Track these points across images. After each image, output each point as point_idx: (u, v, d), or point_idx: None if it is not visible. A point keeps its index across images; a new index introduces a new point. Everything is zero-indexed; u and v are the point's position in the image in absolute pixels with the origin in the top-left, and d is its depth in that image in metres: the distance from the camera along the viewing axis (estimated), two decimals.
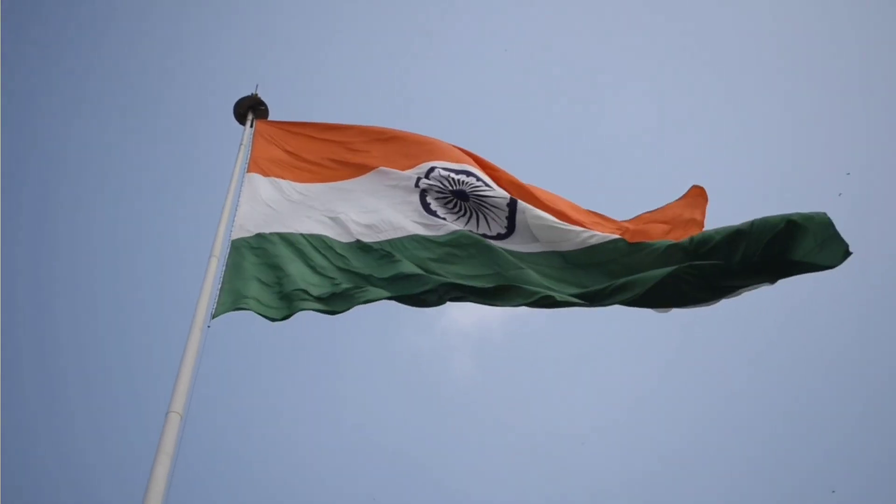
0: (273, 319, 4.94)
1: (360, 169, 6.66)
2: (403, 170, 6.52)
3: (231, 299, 4.97)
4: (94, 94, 19.50)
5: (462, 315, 20.04)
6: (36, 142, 18.17)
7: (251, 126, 7.22)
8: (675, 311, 5.34)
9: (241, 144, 6.88)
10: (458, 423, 16.72)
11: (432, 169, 6.43)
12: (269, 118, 7.46)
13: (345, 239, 5.77)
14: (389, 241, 5.72)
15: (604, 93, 22.48)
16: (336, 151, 6.95)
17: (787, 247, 4.65)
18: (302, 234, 5.76)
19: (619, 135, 22.07)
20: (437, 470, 15.93)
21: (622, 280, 5.12)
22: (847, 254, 4.51)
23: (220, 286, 5.09)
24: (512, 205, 6.02)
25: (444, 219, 5.95)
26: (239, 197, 6.06)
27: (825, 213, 4.61)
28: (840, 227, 4.57)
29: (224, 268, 5.28)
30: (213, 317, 4.82)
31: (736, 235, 4.91)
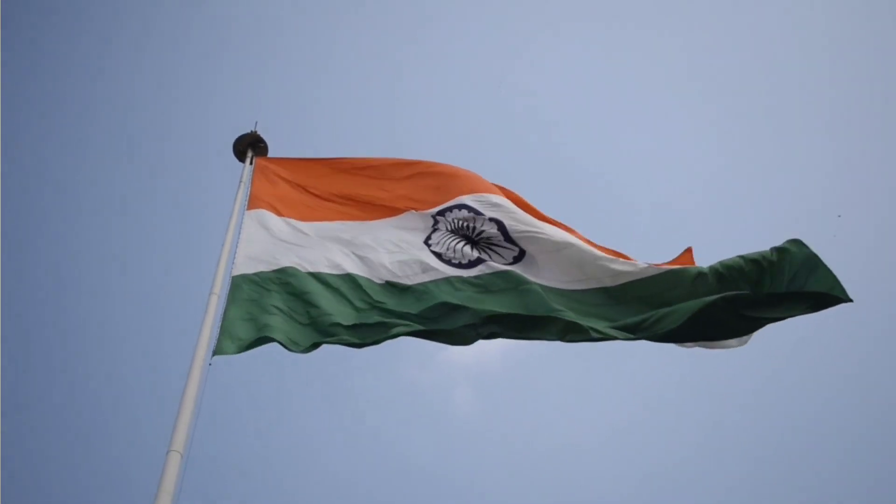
0: (290, 350, 4.97)
1: (378, 211, 6.67)
2: (422, 209, 6.56)
3: (232, 339, 4.95)
4: (93, 132, 19.63)
5: (461, 348, 19.94)
6: (35, 176, 18.26)
7: (251, 163, 7.27)
8: (696, 348, 5.34)
9: (240, 182, 6.92)
10: (461, 456, 16.60)
11: (456, 207, 6.46)
12: (269, 155, 7.52)
13: (373, 278, 5.76)
14: (423, 284, 5.67)
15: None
16: (348, 188, 6.98)
17: (808, 279, 4.74)
18: (310, 273, 5.75)
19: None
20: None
21: (659, 312, 5.05)
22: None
23: (220, 324, 5.09)
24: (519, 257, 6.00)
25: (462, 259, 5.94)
26: (239, 234, 6.08)
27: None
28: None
29: (224, 305, 5.28)
30: (215, 354, 4.81)
31: (761, 263, 5.00)
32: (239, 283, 5.49)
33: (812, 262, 4.79)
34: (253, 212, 6.41)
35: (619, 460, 16.02)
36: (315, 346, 5.06)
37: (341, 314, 5.29)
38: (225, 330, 5.01)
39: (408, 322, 5.23)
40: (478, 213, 6.34)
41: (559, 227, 6.35)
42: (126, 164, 19.50)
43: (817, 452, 15.41)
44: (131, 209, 18.93)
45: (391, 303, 5.47)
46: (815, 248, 4.87)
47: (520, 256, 5.98)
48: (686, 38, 21.96)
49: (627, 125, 22.14)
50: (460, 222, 6.33)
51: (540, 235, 6.05)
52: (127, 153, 19.60)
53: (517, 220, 6.25)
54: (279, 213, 6.54)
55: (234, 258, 5.78)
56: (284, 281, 5.61)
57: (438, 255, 5.98)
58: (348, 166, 7.25)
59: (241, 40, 22.02)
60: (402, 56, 22.92)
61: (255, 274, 5.65)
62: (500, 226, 6.21)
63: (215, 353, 4.83)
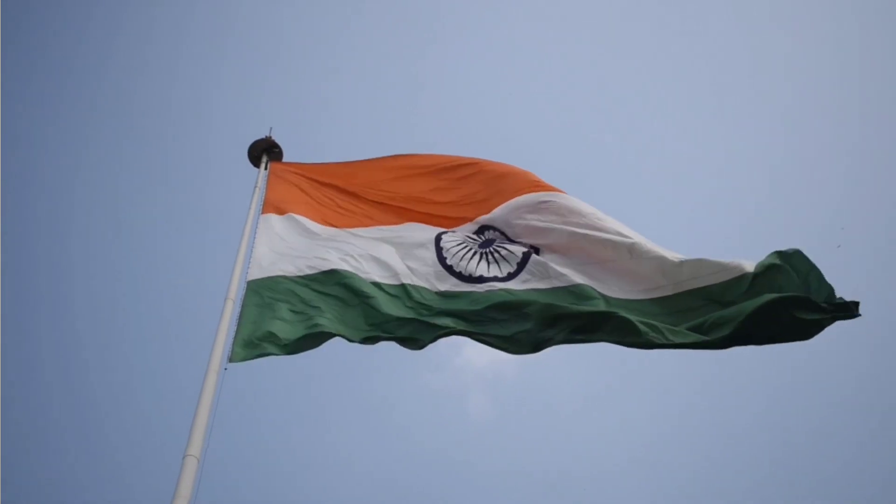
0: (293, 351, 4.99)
1: (396, 215, 6.69)
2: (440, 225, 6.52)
3: (248, 344, 4.95)
4: (107, 139, 19.77)
5: (476, 354, 19.94)
6: (47, 184, 18.42)
7: (265, 168, 7.29)
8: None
9: (255, 187, 6.95)
10: (475, 463, 16.55)
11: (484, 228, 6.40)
12: (284, 160, 7.54)
13: (407, 280, 5.75)
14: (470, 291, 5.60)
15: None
16: (364, 192, 6.97)
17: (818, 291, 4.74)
18: (335, 269, 5.76)
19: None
20: None
21: (716, 315, 4.94)
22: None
23: (236, 329, 5.09)
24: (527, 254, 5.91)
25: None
26: (254, 239, 6.10)
27: None
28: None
29: (240, 309, 5.29)
30: (231, 361, 4.82)
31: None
32: (253, 289, 5.49)
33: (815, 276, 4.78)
34: (268, 216, 6.43)
35: (635, 470, 15.93)
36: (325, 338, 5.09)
37: (375, 312, 5.31)
38: (238, 335, 5.02)
39: (460, 321, 5.23)
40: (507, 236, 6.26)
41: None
42: (141, 170, 19.65)
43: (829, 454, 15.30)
44: (147, 216, 19.05)
45: (440, 304, 5.47)
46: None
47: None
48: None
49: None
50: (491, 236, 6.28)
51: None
52: (142, 159, 19.75)
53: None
54: (294, 213, 6.55)
55: (249, 263, 5.79)
56: (301, 283, 5.62)
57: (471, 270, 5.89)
58: (367, 168, 7.23)
59: (256, 46, 22.13)
60: (419, 58, 22.98)
61: (268, 278, 5.65)
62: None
63: (231, 359, 4.84)
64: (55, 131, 19.08)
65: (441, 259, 5.98)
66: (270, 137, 7.61)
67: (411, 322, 5.27)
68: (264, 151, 7.53)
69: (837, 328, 4.76)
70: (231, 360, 4.82)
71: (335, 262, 5.86)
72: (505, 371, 19.39)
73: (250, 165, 7.52)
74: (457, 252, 6.02)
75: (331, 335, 5.10)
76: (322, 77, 22.17)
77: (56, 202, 18.55)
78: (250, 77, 21.54)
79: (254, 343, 4.95)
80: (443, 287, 5.67)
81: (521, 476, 15.78)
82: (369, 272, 5.80)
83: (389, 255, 6.06)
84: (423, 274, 5.81)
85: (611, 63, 22.47)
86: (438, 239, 6.21)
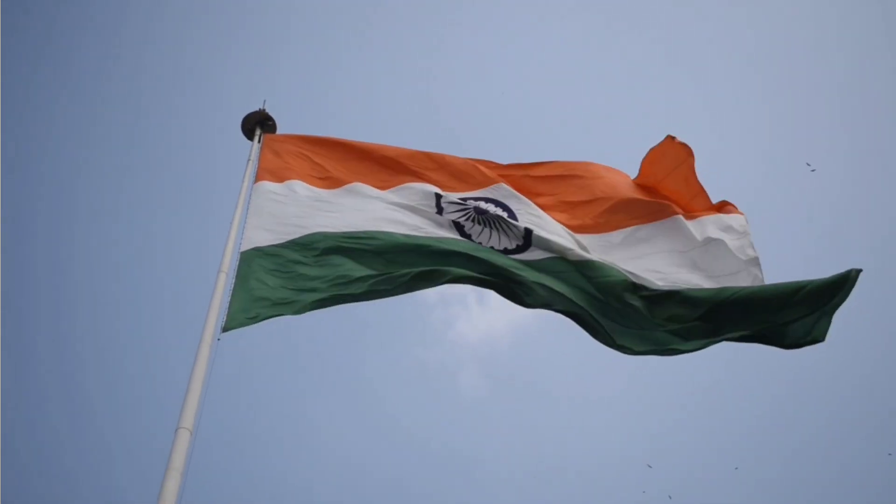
0: (297, 312, 4.99)
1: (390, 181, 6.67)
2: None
3: (242, 312, 4.89)
4: (103, 114, 19.63)
5: (470, 329, 19.99)
6: (45, 161, 18.28)
7: (258, 142, 7.21)
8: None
9: (248, 160, 6.86)
10: (468, 440, 16.65)
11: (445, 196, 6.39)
12: (278, 133, 7.45)
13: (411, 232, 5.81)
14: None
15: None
16: (364, 160, 6.93)
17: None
18: (324, 232, 5.74)
19: None
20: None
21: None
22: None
23: (229, 299, 5.03)
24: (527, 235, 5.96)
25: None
26: (247, 210, 6.03)
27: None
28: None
29: (233, 281, 5.21)
30: (225, 329, 4.75)
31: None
32: (247, 258, 5.41)
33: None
34: (260, 184, 6.35)
35: (628, 443, 16.02)
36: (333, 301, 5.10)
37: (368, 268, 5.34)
38: (231, 306, 4.95)
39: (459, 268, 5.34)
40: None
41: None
42: (136, 146, 19.51)
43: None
44: (141, 191, 18.95)
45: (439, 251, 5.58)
46: None
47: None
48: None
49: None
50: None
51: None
52: (138, 134, 19.60)
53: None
54: (288, 179, 6.50)
55: (243, 234, 5.72)
56: (299, 247, 5.58)
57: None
58: (361, 148, 7.16)
59: (251, 21, 21.92)
60: (415, 34, 22.80)
61: (264, 247, 5.56)
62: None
63: (224, 328, 4.76)
64: (53, 102, 18.91)
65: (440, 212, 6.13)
66: (264, 110, 7.53)
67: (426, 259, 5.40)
68: (258, 124, 7.45)
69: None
70: (224, 328, 4.75)
71: (333, 224, 5.83)
72: (498, 347, 19.44)
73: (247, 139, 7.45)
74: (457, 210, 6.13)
75: (323, 301, 5.07)
76: (320, 50, 22.00)
77: (47, 173, 18.42)
78: (247, 50, 21.36)
79: (245, 310, 4.89)
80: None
81: (514, 459, 15.88)
82: (377, 224, 5.85)
83: (389, 210, 6.09)
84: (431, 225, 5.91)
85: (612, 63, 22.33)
86: (439, 197, 6.29)
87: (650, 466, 13.81)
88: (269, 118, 7.49)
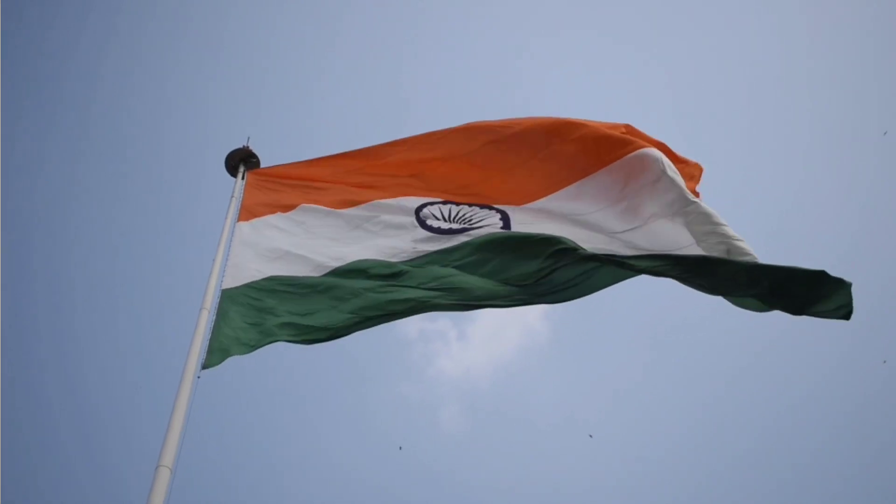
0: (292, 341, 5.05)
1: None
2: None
3: (221, 350, 4.91)
4: (85, 151, 19.64)
5: (451, 365, 19.93)
6: (30, 187, 18.23)
7: (242, 178, 7.25)
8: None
9: (231, 197, 6.90)
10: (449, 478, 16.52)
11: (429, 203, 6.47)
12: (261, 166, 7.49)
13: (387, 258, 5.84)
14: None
15: None
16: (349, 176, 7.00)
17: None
18: (299, 275, 5.76)
19: None
20: None
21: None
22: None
23: (210, 338, 5.04)
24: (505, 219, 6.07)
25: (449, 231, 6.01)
26: (229, 248, 6.06)
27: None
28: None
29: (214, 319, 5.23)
30: (204, 367, 4.76)
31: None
32: (228, 296, 5.45)
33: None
34: (242, 224, 6.40)
35: (610, 484, 15.94)
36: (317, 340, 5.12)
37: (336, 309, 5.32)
38: (213, 343, 4.96)
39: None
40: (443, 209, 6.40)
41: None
42: (120, 181, 19.51)
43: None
44: (126, 226, 18.89)
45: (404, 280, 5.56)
46: None
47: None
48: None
49: None
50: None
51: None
52: (121, 170, 19.61)
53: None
54: (269, 214, 6.58)
55: (224, 272, 5.75)
56: (271, 289, 5.61)
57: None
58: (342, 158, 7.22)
59: (235, 53, 22.08)
60: (394, 68, 23.02)
61: (244, 286, 5.61)
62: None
63: (204, 366, 4.77)
64: (41, 135, 18.90)
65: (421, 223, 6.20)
66: (248, 147, 7.57)
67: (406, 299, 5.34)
68: (241, 161, 7.49)
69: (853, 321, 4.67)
70: (204, 366, 4.77)
71: (318, 259, 5.90)
72: (479, 384, 19.37)
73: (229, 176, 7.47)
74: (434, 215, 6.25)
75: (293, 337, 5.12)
76: (303, 87, 22.15)
77: (36, 206, 18.35)
78: (231, 85, 21.47)
79: (222, 349, 4.91)
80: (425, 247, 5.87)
81: (497, 492, 15.76)
82: (349, 255, 5.89)
83: (366, 237, 6.17)
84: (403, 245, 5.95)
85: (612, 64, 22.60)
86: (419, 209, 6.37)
87: (591, 436, 14.04)
88: (253, 155, 7.51)
